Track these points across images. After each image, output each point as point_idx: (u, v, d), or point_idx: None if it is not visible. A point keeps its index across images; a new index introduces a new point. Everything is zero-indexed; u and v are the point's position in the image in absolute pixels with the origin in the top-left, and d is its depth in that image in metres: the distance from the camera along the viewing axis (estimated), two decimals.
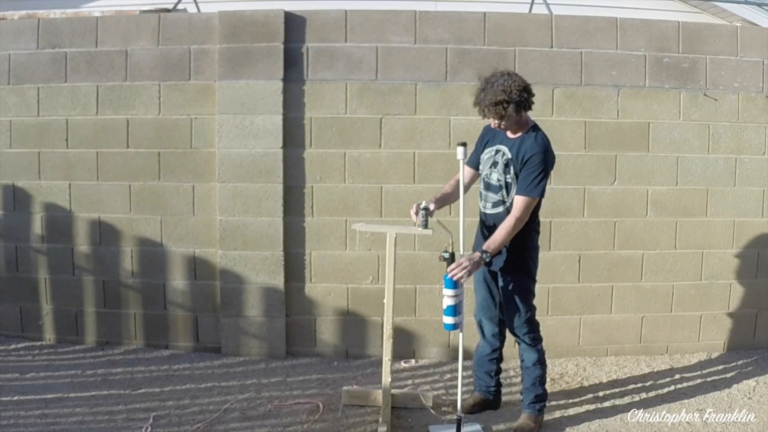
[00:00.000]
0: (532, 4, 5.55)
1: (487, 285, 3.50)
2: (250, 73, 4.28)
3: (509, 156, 3.28)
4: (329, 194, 4.38)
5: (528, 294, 3.39)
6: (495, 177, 3.34)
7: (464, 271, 3.12)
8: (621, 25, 4.36)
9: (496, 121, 3.23)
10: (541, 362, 3.42)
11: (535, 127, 3.31)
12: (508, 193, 3.30)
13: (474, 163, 3.49)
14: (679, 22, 4.42)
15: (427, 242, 4.23)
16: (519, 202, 3.19)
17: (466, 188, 3.44)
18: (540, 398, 3.43)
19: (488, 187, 3.39)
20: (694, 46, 4.38)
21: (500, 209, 3.33)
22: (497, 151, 3.35)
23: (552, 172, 4.34)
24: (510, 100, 3.12)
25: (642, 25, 4.38)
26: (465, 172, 3.40)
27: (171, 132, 4.39)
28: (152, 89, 4.37)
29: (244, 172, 4.32)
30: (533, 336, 3.41)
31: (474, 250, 3.42)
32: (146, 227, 4.44)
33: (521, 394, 3.53)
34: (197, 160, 4.38)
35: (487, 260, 3.16)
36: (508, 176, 3.29)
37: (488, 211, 3.39)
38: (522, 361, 3.48)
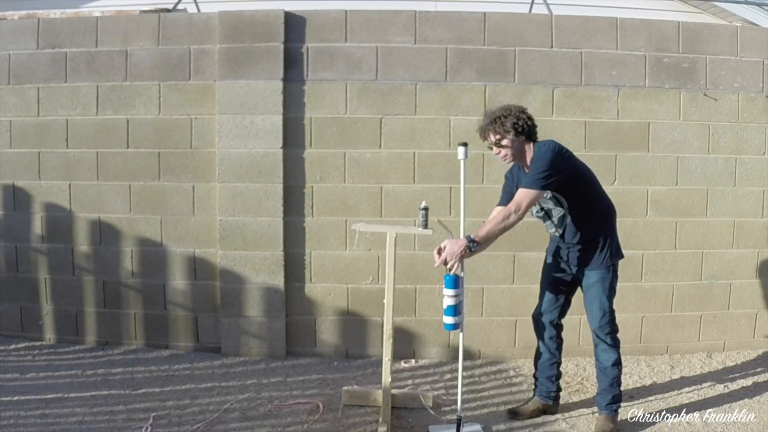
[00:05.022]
0: (532, 4, 5.55)
1: (557, 286, 3.48)
2: (250, 73, 4.28)
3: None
4: (329, 194, 4.38)
5: (612, 292, 3.37)
6: (534, 209, 3.36)
7: (455, 259, 3.10)
8: (621, 25, 4.36)
9: (497, 147, 3.24)
10: (619, 363, 3.39)
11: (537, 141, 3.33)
12: (562, 206, 3.31)
13: (505, 202, 3.39)
14: (679, 22, 4.43)
15: (427, 242, 4.23)
16: (518, 194, 3.18)
17: None
18: (616, 399, 3.41)
19: (537, 217, 3.44)
20: (694, 46, 4.38)
21: (561, 229, 3.36)
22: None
23: None
24: (508, 115, 3.21)
25: (642, 25, 4.38)
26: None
27: (171, 132, 4.39)
28: (152, 89, 4.37)
29: (244, 172, 4.32)
30: (615, 336, 3.38)
31: (549, 255, 3.50)
32: (146, 227, 4.44)
33: (596, 395, 3.48)
34: (197, 160, 4.39)
35: (473, 249, 3.13)
36: (559, 206, 3.31)
37: (556, 233, 3.41)
38: (598, 361, 3.42)
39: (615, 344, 3.37)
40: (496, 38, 4.32)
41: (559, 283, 3.48)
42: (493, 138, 3.25)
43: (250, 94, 4.29)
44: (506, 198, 3.40)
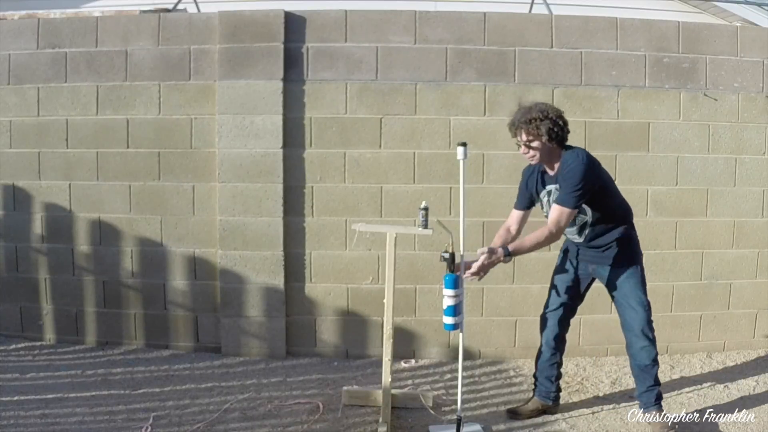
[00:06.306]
0: (532, 4, 5.55)
1: (571, 288, 3.45)
2: (250, 73, 4.28)
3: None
4: (329, 194, 4.38)
5: (645, 286, 3.34)
6: (578, 222, 3.31)
7: (483, 270, 3.13)
8: (621, 25, 4.36)
9: (526, 147, 3.20)
10: (657, 359, 3.36)
11: (568, 147, 3.26)
12: (585, 213, 3.28)
13: (522, 205, 3.43)
14: (679, 22, 4.43)
15: (427, 242, 4.23)
16: (553, 212, 3.17)
17: (519, 230, 3.44)
18: (660, 396, 3.38)
19: (571, 230, 3.39)
20: (694, 46, 4.38)
21: (583, 236, 3.34)
22: (550, 193, 3.31)
23: None
24: (544, 118, 3.13)
25: (642, 25, 4.38)
26: (515, 216, 3.43)
27: (171, 132, 4.39)
28: (152, 89, 4.37)
29: (244, 172, 4.32)
30: (654, 334, 3.34)
31: (564, 255, 3.49)
32: (146, 227, 4.44)
33: (639, 396, 3.40)
34: (197, 160, 4.39)
35: (506, 262, 3.18)
36: (582, 213, 3.26)
37: (575, 240, 3.39)
38: (637, 360, 3.33)
39: (654, 341, 3.33)
40: (496, 38, 4.32)
41: (572, 284, 3.46)
42: (524, 137, 3.19)
43: (250, 94, 4.29)
44: (522, 202, 3.40)
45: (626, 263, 3.32)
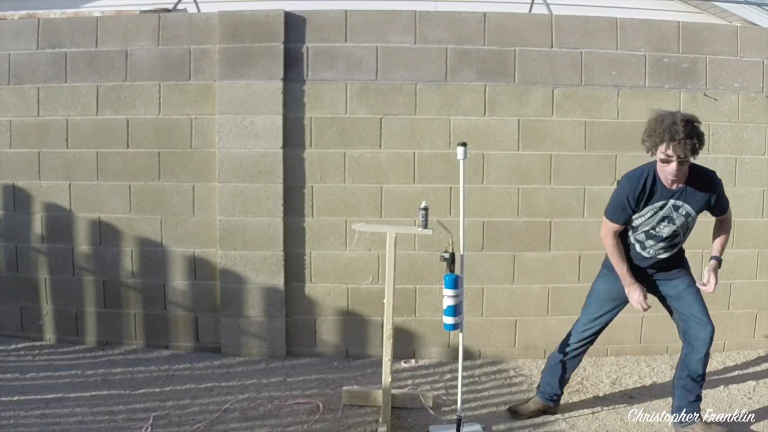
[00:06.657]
0: (532, 4, 5.55)
1: (617, 302, 3.43)
2: (250, 73, 4.28)
3: (687, 207, 3.20)
4: (329, 194, 4.38)
5: None
6: (668, 230, 3.23)
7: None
8: (621, 25, 4.36)
9: (680, 164, 3.03)
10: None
11: (695, 166, 3.18)
12: (685, 236, 3.33)
13: (625, 221, 3.29)
14: (679, 22, 4.43)
15: (427, 242, 4.23)
16: (728, 215, 3.38)
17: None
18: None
19: (653, 237, 3.27)
20: (694, 46, 4.38)
21: (670, 252, 3.33)
22: (662, 206, 3.19)
23: (551, 172, 4.39)
24: (701, 139, 3.01)
25: (642, 25, 4.38)
26: (617, 229, 3.31)
27: (171, 132, 4.39)
28: (152, 89, 4.37)
29: (244, 172, 4.32)
30: None
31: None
32: (146, 227, 4.44)
33: (689, 405, 3.35)
34: (197, 160, 4.39)
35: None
36: (688, 228, 3.28)
37: (650, 256, 3.32)
38: (693, 370, 3.32)
39: None
40: (496, 38, 4.32)
41: (620, 299, 3.42)
42: (681, 153, 2.98)
43: (250, 94, 4.29)
44: (625, 218, 3.25)
45: (686, 272, 3.40)
